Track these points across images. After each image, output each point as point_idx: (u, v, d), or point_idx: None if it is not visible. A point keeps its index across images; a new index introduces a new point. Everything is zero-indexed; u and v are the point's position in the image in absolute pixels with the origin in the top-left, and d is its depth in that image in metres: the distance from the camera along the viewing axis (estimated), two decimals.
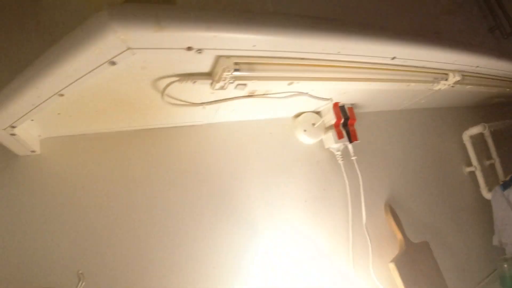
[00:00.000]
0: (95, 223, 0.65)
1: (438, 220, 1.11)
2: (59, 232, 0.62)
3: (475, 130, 1.25)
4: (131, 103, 0.62)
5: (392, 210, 0.99)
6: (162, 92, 0.57)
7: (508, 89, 1.22)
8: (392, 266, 0.86)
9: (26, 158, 0.65)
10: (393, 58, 0.68)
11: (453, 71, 0.91)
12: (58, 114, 0.59)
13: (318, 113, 0.95)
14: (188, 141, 0.78)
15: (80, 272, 0.55)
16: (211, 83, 0.56)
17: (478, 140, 1.31)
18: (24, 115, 0.53)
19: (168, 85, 0.56)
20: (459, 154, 1.30)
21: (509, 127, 1.38)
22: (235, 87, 0.58)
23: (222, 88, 0.58)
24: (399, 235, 0.95)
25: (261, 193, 0.82)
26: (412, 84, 0.88)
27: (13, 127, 0.55)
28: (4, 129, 0.55)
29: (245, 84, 0.58)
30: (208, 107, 0.69)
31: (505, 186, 1.13)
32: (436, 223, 1.10)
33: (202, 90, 0.61)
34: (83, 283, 0.54)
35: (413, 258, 0.93)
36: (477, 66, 0.87)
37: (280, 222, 0.82)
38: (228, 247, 0.74)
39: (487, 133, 1.30)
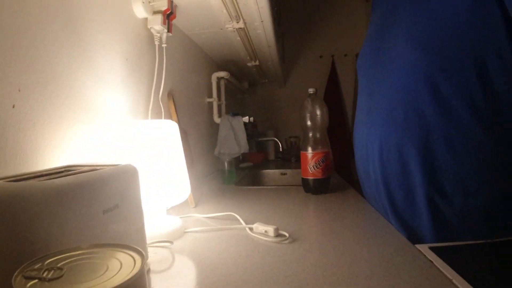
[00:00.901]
0: None
1: None
2: None
3: (222, 74, 1.74)
4: None
5: (173, 99, 1.25)
6: None
7: (248, 58, 1.79)
8: None
9: None
10: None
11: (244, 18, 1.31)
12: None
13: None
14: None
15: None
16: None
17: (217, 85, 1.80)
18: None
19: None
20: (206, 88, 1.74)
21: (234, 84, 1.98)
22: None
23: None
24: (174, 117, 1.22)
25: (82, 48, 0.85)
26: (224, 11, 1.20)
27: None
28: None
29: None
30: None
31: (233, 115, 1.67)
32: (186, 128, 1.45)
33: None
34: None
35: (183, 136, 1.22)
36: (262, 21, 1.31)
37: (104, 75, 0.88)
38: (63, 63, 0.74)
39: (222, 81, 1.82)
